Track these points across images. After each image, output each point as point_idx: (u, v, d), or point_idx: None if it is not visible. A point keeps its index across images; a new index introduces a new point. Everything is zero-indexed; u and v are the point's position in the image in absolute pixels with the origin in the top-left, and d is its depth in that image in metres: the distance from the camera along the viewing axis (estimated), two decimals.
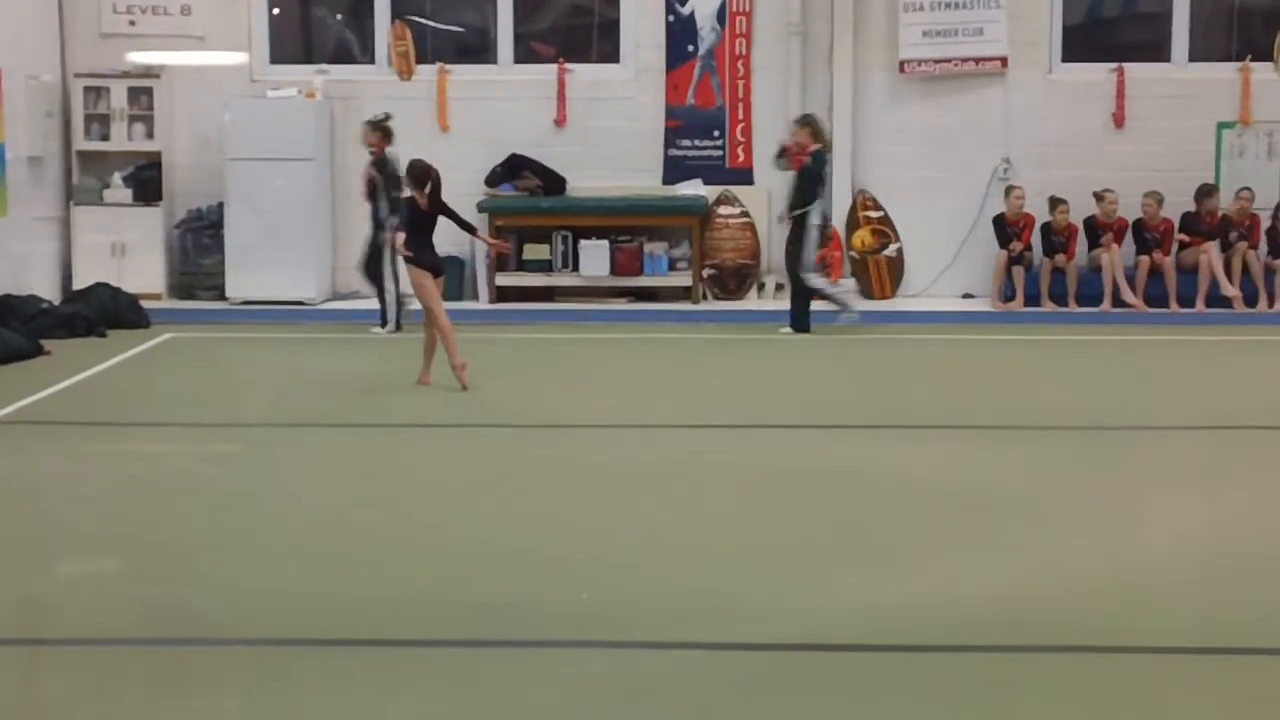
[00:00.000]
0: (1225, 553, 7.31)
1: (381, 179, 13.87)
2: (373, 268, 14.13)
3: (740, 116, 16.42)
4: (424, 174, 11.45)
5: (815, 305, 14.32)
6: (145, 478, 8.95)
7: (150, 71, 16.30)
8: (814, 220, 14.17)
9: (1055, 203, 15.68)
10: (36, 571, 7.16)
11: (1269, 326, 14.80)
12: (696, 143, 16.45)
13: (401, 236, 11.35)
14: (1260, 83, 16.11)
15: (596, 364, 13.10)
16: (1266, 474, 8.90)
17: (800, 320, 14.22)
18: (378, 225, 13.96)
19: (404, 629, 6.27)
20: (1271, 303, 15.47)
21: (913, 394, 11.44)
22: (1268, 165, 16.13)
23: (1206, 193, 15.76)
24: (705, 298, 16.18)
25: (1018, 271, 15.65)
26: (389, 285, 14.02)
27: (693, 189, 16.30)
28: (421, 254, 11.42)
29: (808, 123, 14.43)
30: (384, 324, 14.07)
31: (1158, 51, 16.49)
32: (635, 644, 6.10)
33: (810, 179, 14.15)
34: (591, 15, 16.97)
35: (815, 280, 14.41)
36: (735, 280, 16.33)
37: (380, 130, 14.05)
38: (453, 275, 16.03)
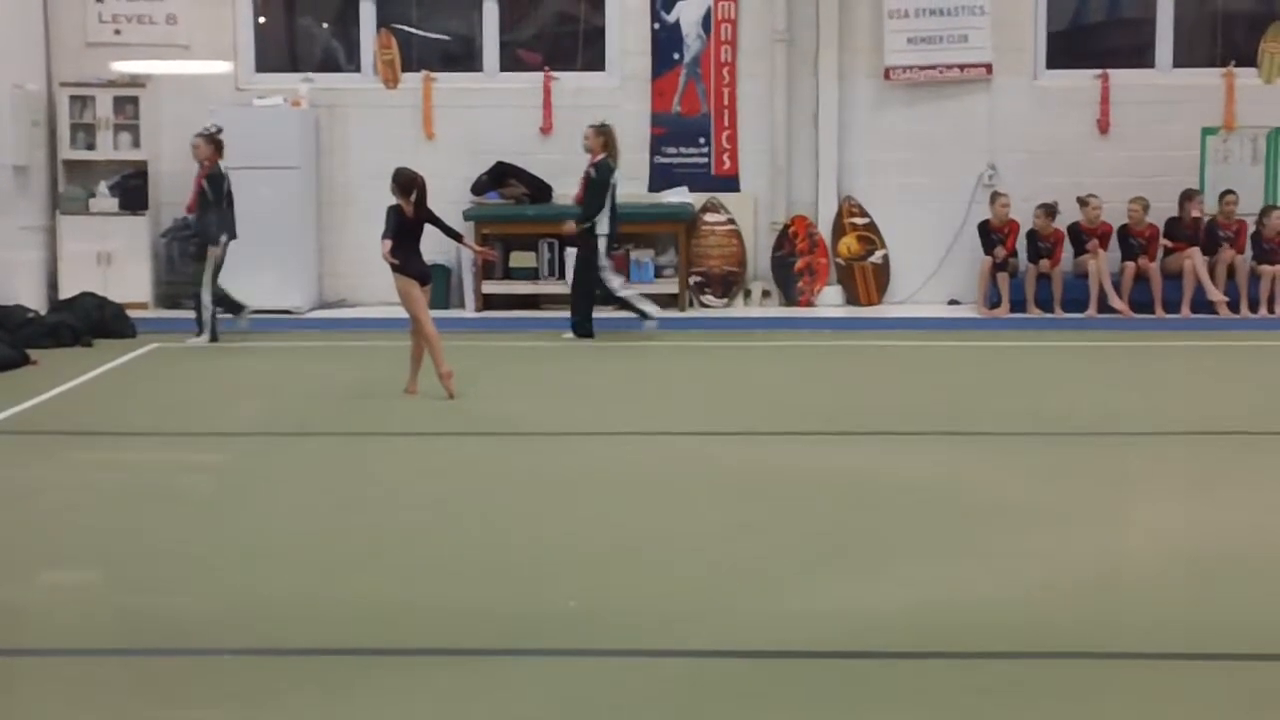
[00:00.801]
0: (1212, 557, 7.33)
1: (212, 193, 13.83)
2: (195, 280, 14.04)
3: (726, 124, 16.45)
4: (410, 182, 11.45)
5: (604, 313, 14.56)
6: (132, 487, 8.93)
7: (136, 80, 16.30)
8: (602, 230, 14.20)
9: (1048, 209, 15.69)
10: (20, 580, 7.14)
11: (1254, 331, 14.85)
12: (682, 150, 16.49)
13: (388, 244, 11.34)
14: (1244, 88, 16.18)
15: (583, 372, 13.10)
16: (1252, 479, 8.92)
17: (583, 326, 14.31)
18: (206, 238, 13.89)
19: (391, 637, 6.26)
20: (1255, 308, 15.52)
21: (899, 400, 11.45)
22: (1252, 170, 16.19)
23: (1188, 197, 15.81)
24: (692, 304, 16.20)
25: (1003, 278, 15.69)
26: (206, 297, 13.97)
27: (679, 196, 16.33)
28: (408, 262, 11.41)
29: (603, 131, 14.40)
30: (200, 332, 14.08)
31: (1142, 57, 16.56)
32: (621, 651, 6.10)
33: (597, 189, 14.14)
34: (577, 23, 16.99)
35: (615, 285, 14.49)
36: (722, 287, 16.36)
37: (214, 143, 14.00)
38: (439, 283, 16.03)
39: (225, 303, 14.34)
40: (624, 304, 14.64)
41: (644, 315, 14.58)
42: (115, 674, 5.96)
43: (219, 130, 14.17)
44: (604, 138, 14.31)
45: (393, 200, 11.45)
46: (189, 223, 16.22)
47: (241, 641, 6.21)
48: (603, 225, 14.22)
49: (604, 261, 14.30)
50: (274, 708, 5.56)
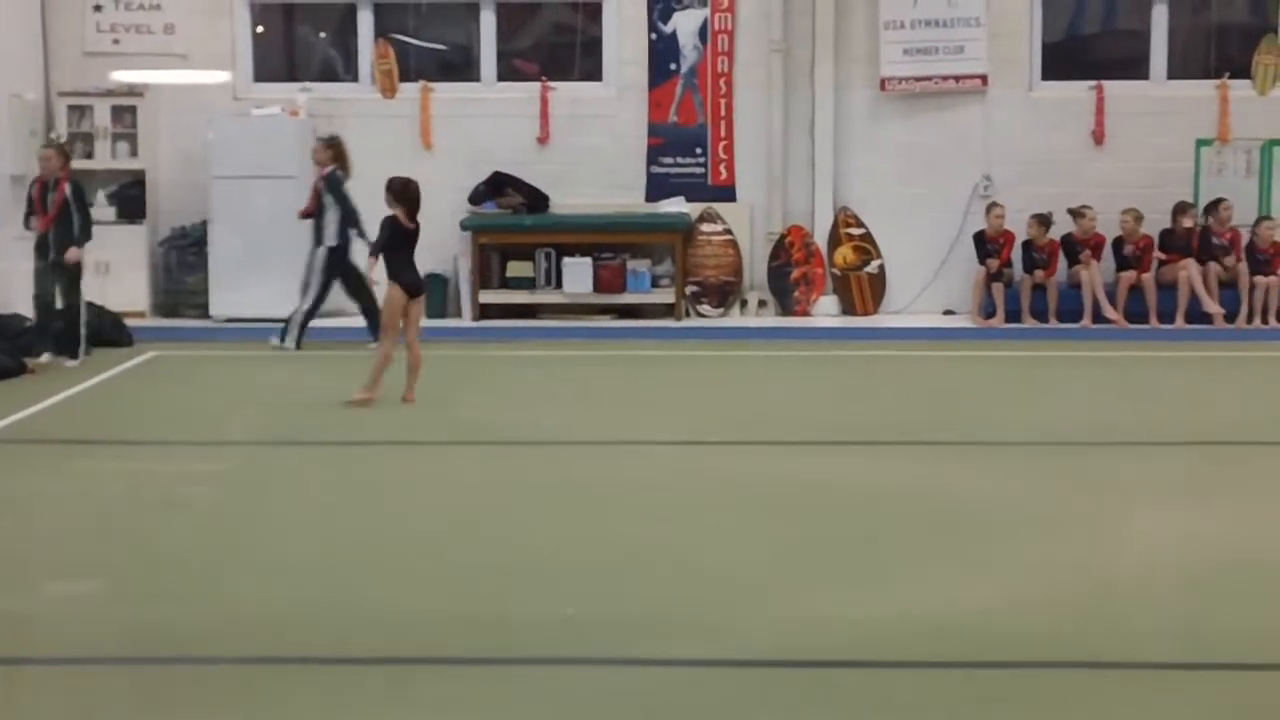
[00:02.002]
0: (1205, 567, 7.36)
1: (76, 204, 13.42)
2: (73, 295, 13.48)
3: (722, 134, 16.50)
4: (405, 188, 11.47)
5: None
6: (130, 496, 8.94)
7: (134, 90, 16.34)
8: (330, 240, 14.16)
9: (1042, 220, 15.74)
10: (20, 590, 7.16)
11: (1247, 342, 14.89)
12: (679, 160, 16.53)
13: (374, 261, 11.39)
14: (1238, 100, 16.23)
15: (580, 381, 13.12)
16: (1245, 489, 8.95)
17: (298, 333, 14.21)
18: (62, 249, 13.34)
19: (389, 645, 6.28)
20: (1251, 318, 15.56)
21: (895, 410, 11.48)
22: (1246, 182, 16.24)
23: (1181, 210, 15.87)
24: (688, 314, 16.24)
25: (998, 288, 15.73)
26: (84, 313, 13.48)
27: (675, 206, 16.37)
28: (402, 273, 11.39)
29: (332, 144, 14.37)
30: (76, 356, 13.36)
31: (1137, 69, 16.61)
32: (620, 660, 6.13)
33: (336, 202, 14.09)
34: (574, 33, 17.03)
35: (311, 299, 14.29)
36: (718, 297, 16.39)
37: (64, 154, 13.69)
38: (436, 292, 16.09)
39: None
40: (308, 317, 14.35)
41: (283, 335, 14.28)
42: (117, 682, 5.98)
43: (71, 140, 13.90)
44: (333, 150, 14.30)
45: (388, 211, 11.45)
46: (185, 231, 16.30)
47: (242, 650, 6.23)
48: (331, 236, 14.15)
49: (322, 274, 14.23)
50: (274, 715, 5.59)
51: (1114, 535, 8.02)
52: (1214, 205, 15.96)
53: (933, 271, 16.46)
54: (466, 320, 16.05)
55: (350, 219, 14.12)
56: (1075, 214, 15.79)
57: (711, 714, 5.58)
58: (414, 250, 11.55)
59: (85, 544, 7.93)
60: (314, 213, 14.26)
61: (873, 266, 16.50)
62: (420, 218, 11.57)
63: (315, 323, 15.59)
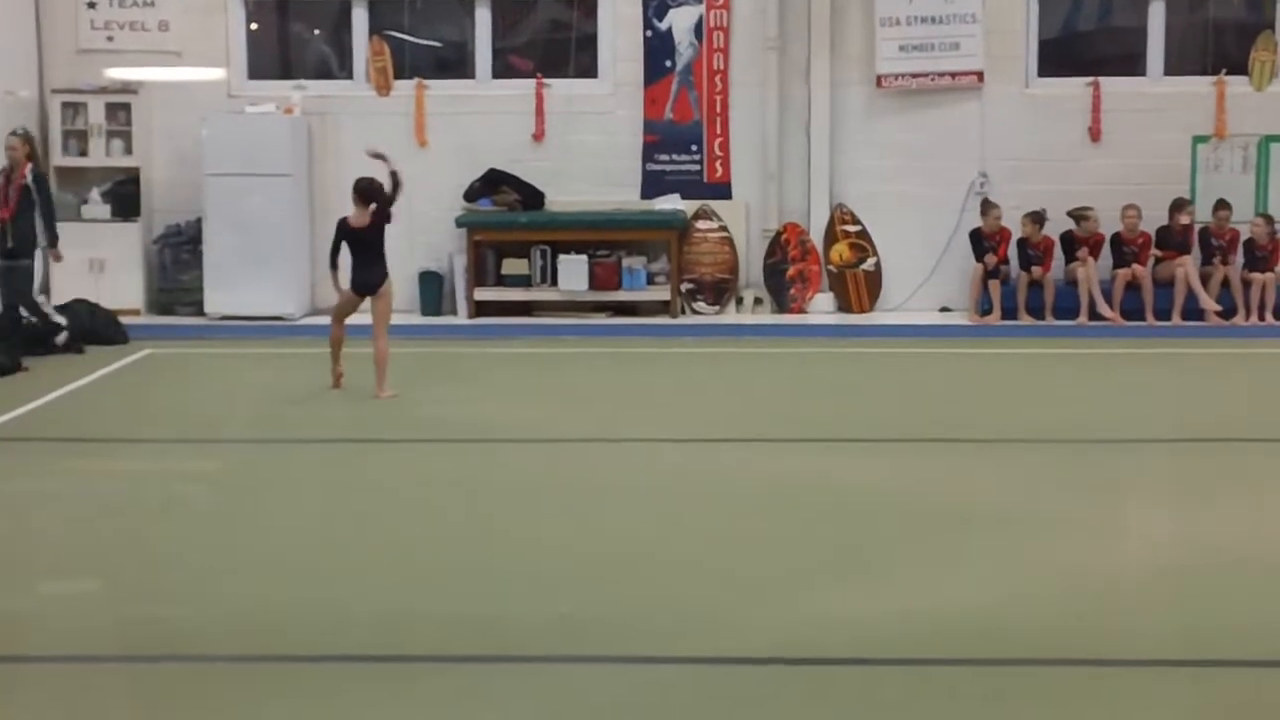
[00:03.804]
0: (1199, 565, 7.35)
1: None
2: None
3: (718, 131, 16.47)
4: (369, 189, 11.71)
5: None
6: (125, 494, 8.93)
7: (128, 87, 16.31)
8: (43, 242, 13.71)
9: (1036, 217, 15.71)
10: (15, 588, 7.14)
11: (1244, 339, 14.88)
12: (674, 157, 16.49)
13: (334, 275, 11.57)
14: (1235, 96, 16.21)
15: (575, 378, 13.10)
16: (1240, 486, 8.94)
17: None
18: None
19: (385, 643, 6.27)
20: (1248, 315, 15.55)
21: (890, 408, 11.47)
22: (1242, 178, 16.21)
23: (1178, 206, 15.85)
24: (684, 311, 16.22)
25: (994, 285, 15.71)
26: None
27: (671, 203, 16.34)
28: (353, 273, 11.66)
29: (29, 139, 13.97)
30: None
31: (1133, 65, 16.57)
32: (616, 658, 6.11)
33: (47, 199, 13.73)
34: (569, 30, 17.01)
35: (42, 305, 13.94)
36: (714, 294, 16.37)
37: None
38: (431, 290, 16.08)
39: None
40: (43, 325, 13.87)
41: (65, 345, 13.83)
42: (113, 681, 5.96)
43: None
44: (29, 146, 13.91)
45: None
46: (180, 229, 16.27)
47: (238, 647, 6.22)
48: (41, 236, 13.73)
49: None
50: (271, 713, 5.57)
51: (1111, 532, 8.01)
52: (1214, 208, 15.92)
53: (929, 269, 16.44)
54: (462, 317, 16.02)
55: (52, 217, 13.77)
56: (1077, 216, 15.74)
57: (709, 712, 5.56)
58: (370, 248, 11.62)
59: (80, 542, 7.91)
60: (16, 215, 13.55)
61: (868, 264, 16.48)
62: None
63: (312, 320, 15.57)
